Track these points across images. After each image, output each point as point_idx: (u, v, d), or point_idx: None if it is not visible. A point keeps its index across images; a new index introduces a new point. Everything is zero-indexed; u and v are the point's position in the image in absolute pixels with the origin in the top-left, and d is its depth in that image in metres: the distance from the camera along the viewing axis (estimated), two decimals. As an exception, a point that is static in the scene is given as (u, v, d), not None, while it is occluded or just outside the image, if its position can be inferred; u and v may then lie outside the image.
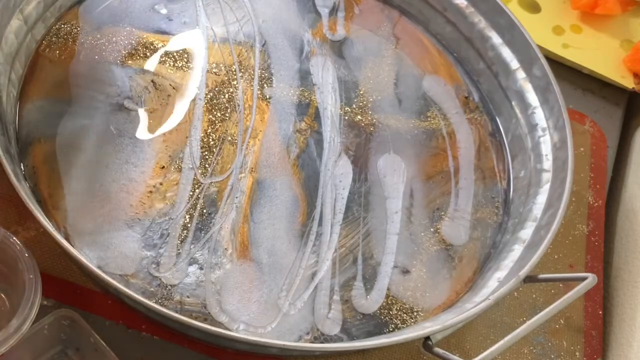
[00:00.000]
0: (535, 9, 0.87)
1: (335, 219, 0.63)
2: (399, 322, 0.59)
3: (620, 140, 0.83)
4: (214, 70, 0.69)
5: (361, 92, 0.71)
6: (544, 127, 0.69)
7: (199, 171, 0.62)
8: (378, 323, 0.59)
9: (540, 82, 0.70)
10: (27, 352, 0.54)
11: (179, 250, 0.58)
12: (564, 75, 0.83)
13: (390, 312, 0.60)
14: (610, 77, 0.83)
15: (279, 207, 0.62)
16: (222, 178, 0.63)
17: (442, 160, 0.69)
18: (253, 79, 0.69)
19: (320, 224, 0.62)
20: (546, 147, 0.68)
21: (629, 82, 0.83)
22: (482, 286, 0.60)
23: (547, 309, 0.57)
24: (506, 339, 0.54)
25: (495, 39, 0.73)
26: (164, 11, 0.71)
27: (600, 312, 0.68)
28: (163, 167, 0.62)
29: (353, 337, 0.58)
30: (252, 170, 0.64)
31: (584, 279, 0.59)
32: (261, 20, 0.73)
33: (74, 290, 0.59)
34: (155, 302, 0.53)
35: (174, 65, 0.68)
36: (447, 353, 0.54)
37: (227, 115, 0.66)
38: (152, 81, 0.66)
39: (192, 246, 0.59)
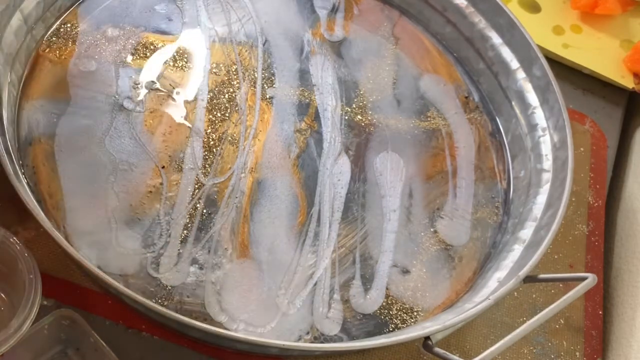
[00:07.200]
0: (535, 9, 0.87)
1: (333, 218, 0.63)
2: (399, 322, 0.59)
3: (620, 140, 0.82)
4: (214, 70, 0.69)
5: (361, 92, 0.71)
6: (544, 127, 0.69)
7: (200, 171, 0.62)
8: (378, 323, 0.59)
9: (540, 82, 0.70)
10: (27, 352, 0.54)
11: (179, 250, 0.58)
12: (564, 75, 0.82)
13: (390, 312, 0.60)
14: (610, 77, 0.83)
15: (279, 207, 0.62)
16: (223, 179, 0.63)
17: (441, 160, 0.69)
18: (255, 79, 0.69)
19: (318, 223, 0.62)
20: (546, 147, 0.68)
21: (629, 82, 0.83)
22: (482, 286, 0.60)
23: (547, 309, 0.57)
24: (506, 339, 0.54)
25: (495, 39, 0.73)
26: (163, 11, 0.71)
27: (600, 312, 0.68)
28: (163, 167, 0.62)
29: (353, 337, 0.58)
30: (252, 171, 0.64)
31: (584, 279, 0.59)
32: (263, 20, 0.73)
33: (74, 290, 0.59)
34: (155, 302, 0.53)
35: (174, 65, 0.68)
36: (447, 353, 0.54)
37: (227, 115, 0.66)
38: (152, 81, 0.66)
39: (192, 246, 0.59)
